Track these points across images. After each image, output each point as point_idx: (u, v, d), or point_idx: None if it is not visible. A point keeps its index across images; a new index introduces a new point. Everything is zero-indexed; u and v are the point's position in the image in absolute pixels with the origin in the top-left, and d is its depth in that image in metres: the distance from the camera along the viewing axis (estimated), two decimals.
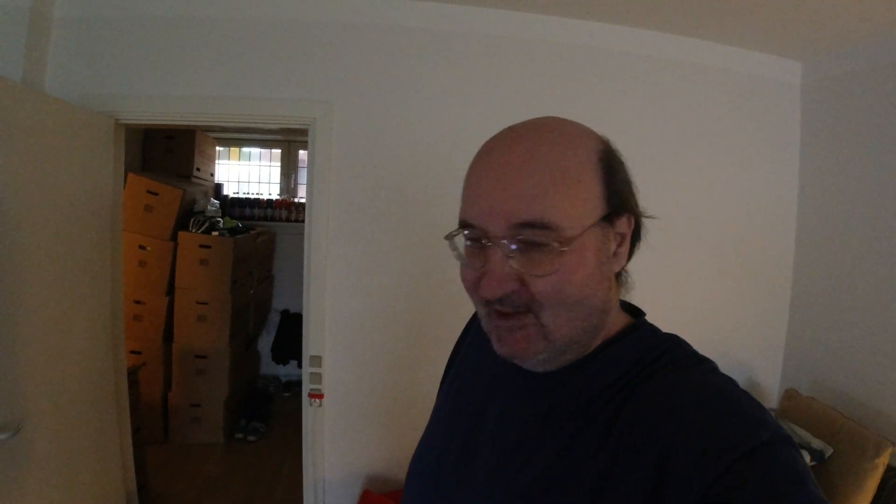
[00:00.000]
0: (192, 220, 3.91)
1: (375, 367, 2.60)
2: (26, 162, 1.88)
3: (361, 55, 2.47)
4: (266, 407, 4.62)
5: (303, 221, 4.99)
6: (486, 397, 0.78)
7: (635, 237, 0.69)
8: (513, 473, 0.66)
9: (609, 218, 0.64)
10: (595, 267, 0.63)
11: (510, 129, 0.66)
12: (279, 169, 5.32)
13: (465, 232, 0.65)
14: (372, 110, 2.50)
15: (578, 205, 0.60)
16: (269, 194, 5.31)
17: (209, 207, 4.15)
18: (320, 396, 2.54)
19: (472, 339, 0.93)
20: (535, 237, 0.59)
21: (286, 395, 5.09)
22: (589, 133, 0.66)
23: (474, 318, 0.97)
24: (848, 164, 2.69)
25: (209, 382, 3.99)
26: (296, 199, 5.27)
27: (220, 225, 4.06)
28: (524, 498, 0.63)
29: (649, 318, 0.75)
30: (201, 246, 3.90)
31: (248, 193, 5.18)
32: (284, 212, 5.12)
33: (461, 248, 0.67)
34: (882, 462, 2.17)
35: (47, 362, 2.02)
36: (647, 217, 0.70)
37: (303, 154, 5.35)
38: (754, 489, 0.49)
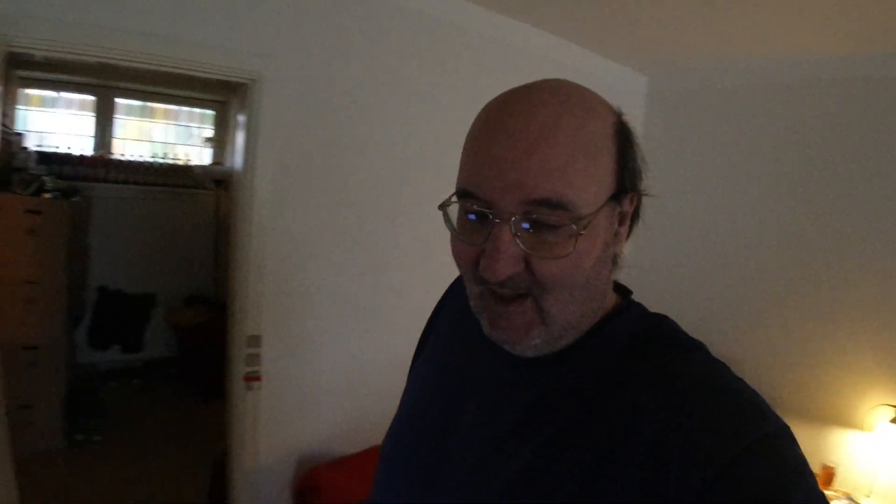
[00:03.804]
0: (14, 179, 3.12)
1: (315, 344, 2.45)
2: None
3: (314, 12, 2.24)
4: (96, 400, 3.93)
5: (121, 182, 4.35)
6: (468, 379, 0.73)
7: (634, 216, 0.66)
8: (498, 465, 0.62)
9: (617, 197, 0.60)
10: (602, 249, 0.60)
11: (527, 88, 0.60)
12: (95, 119, 4.43)
13: (467, 204, 0.59)
14: (321, 73, 2.30)
15: (594, 183, 0.57)
16: (80, 149, 4.40)
17: (30, 164, 3.32)
18: (258, 379, 2.29)
19: (448, 311, 0.88)
20: (550, 217, 0.55)
21: (112, 384, 4.36)
22: (606, 103, 0.62)
23: (451, 288, 0.91)
24: (686, 167, 3.34)
25: (41, 378, 3.26)
26: (113, 156, 4.48)
27: (48, 185, 3.30)
28: (509, 490, 0.60)
29: None
30: (28, 211, 3.14)
31: (55, 147, 4.22)
32: (101, 170, 4.32)
33: (454, 220, 0.62)
34: None
35: None
36: (646, 195, 0.66)
37: (121, 102, 4.56)
38: (756, 483, 0.48)
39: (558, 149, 0.54)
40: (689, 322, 0.66)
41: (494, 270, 0.55)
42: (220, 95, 4.80)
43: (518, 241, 0.55)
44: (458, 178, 0.60)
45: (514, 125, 0.55)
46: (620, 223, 0.63)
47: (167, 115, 4.82)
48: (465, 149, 0.60)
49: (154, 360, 4.70)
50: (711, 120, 3.25)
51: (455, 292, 0.87)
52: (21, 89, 3.97)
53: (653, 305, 0.70)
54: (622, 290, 0.72)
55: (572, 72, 3.02)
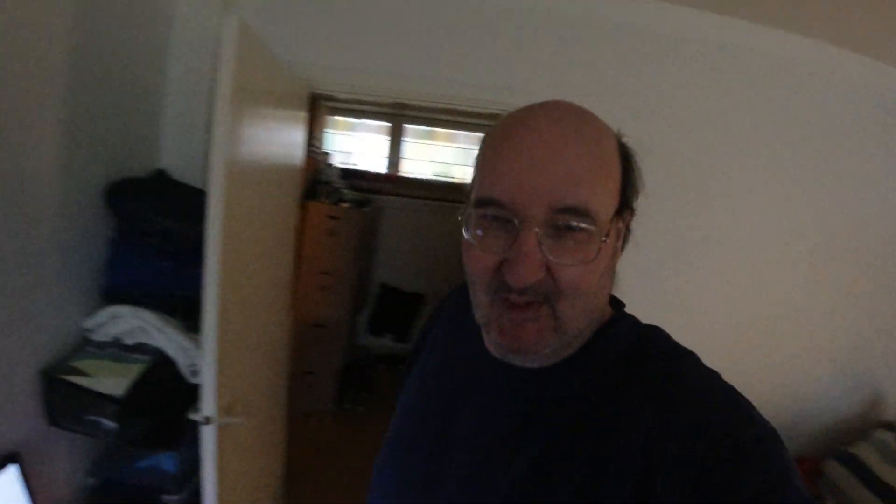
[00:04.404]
0: (320, 189, 3.90)
1: None
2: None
3: (554, 51, 2.46)
4: (365, 378, 4.66)
5: (406, 196, 5.03)
6: (460, 391, 0.74)
7: (627, 231, 0.67)
8: (494, 475, 0.63)
9: (620, 211, 0.62)
10: (611, 258, 0.63)
11: (542, 106, 0.63)
12: (389, 142, 5.27)
13: (489, 212, 0.60)
14: None
15: (610, 195, 0.60)
16: (375, 167, 5.27)
17: (333, 178, 4.13)
18: None
19: (442, 325, 0.90)
20: (577, 223, 0.57)
21: (381, 366, 5.02)
22: (607, 124, 0.64)
23: (440, 305, 0.95)
24: None
25: (324, 352, 4.02)
26: (401, 174, 5.24)
27: (346, 196, 4.05)
28: (506, 500, 0.61)
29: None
30: (329, 217, 3.90)
31: (354, 165, 5.14)
32: (391, 185, 5.09)
33: (471, 229, 0.62)
34: None
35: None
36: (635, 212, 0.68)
37: (408, 128, 5.32)
38: (746, 484, 0.49)
39: (582, 160, 0.58)
40: None
41: (520, 276, 0.57)
42: (492, 121, 5.24)
43: (542, 247, 0.57)
44: (479, 188, 0.62)
45: (538, 137, 0.58)
46: (617, 237, 0.65)
47: (448, 138, 5.45)
48: (484, 160, 0.63)
49: None
50: None
51: (446, 309, 0.93)
52: (329, 116, 4.89)
53: None
54: (614, 304, 0.75)
55: (854, 86, 2.63)
